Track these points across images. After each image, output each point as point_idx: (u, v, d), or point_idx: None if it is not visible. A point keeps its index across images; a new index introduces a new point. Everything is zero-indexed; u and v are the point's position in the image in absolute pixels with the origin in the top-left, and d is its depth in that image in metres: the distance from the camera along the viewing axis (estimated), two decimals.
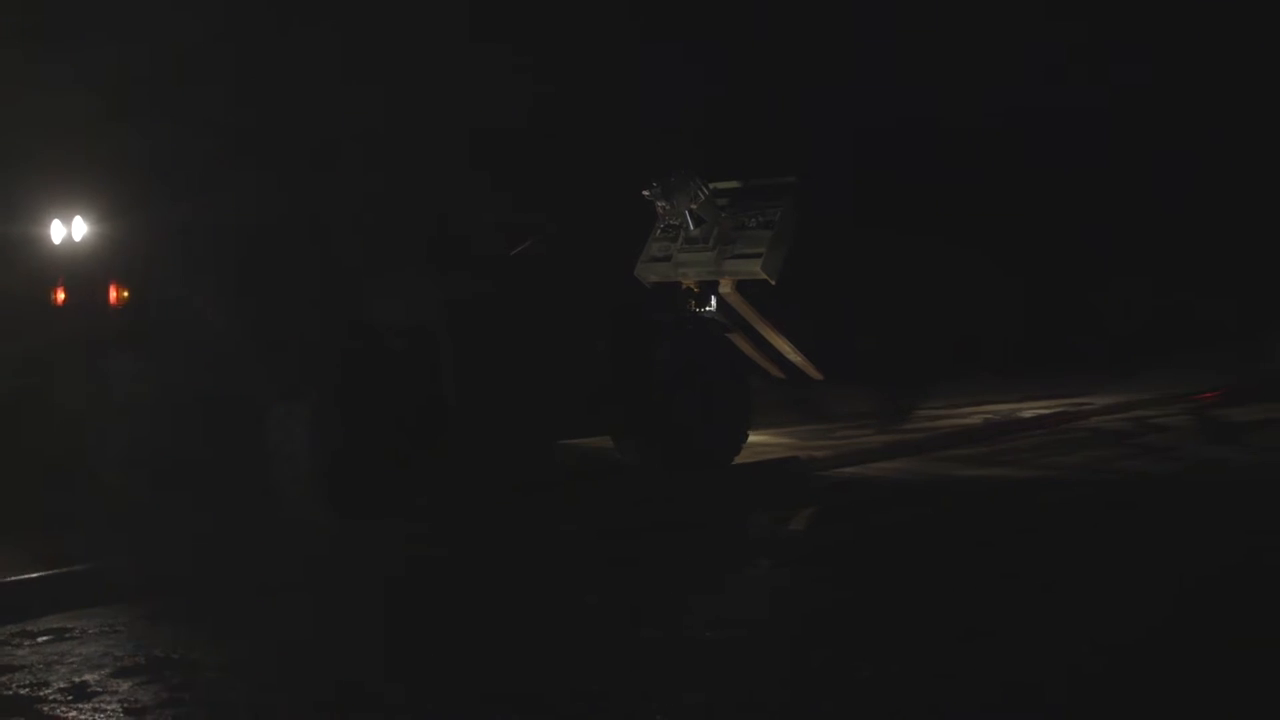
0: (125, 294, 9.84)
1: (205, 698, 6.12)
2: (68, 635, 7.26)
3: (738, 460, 12.40)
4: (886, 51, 20.77)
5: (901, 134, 21.09)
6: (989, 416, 16.23)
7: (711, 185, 15.06)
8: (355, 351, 9.94)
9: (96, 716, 5.86)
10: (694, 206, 14.44)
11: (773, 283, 14.37)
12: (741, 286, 14.79)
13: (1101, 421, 16.83)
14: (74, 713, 5.91)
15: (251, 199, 9.93)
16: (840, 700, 5.96)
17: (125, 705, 6.01)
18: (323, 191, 10.20)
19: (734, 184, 15.21)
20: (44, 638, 7.23)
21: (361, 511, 9.63)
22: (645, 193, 14.56)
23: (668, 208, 14.64)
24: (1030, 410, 16.88)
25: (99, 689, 6.25)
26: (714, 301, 14.00)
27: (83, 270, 10.26)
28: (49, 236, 10.53)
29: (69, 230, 10.45)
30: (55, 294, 10.63)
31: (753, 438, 13.06)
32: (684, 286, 14.61)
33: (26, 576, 8.08)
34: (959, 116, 21.85)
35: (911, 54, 20.94)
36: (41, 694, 6.19)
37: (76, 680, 6.39)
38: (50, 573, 8.15)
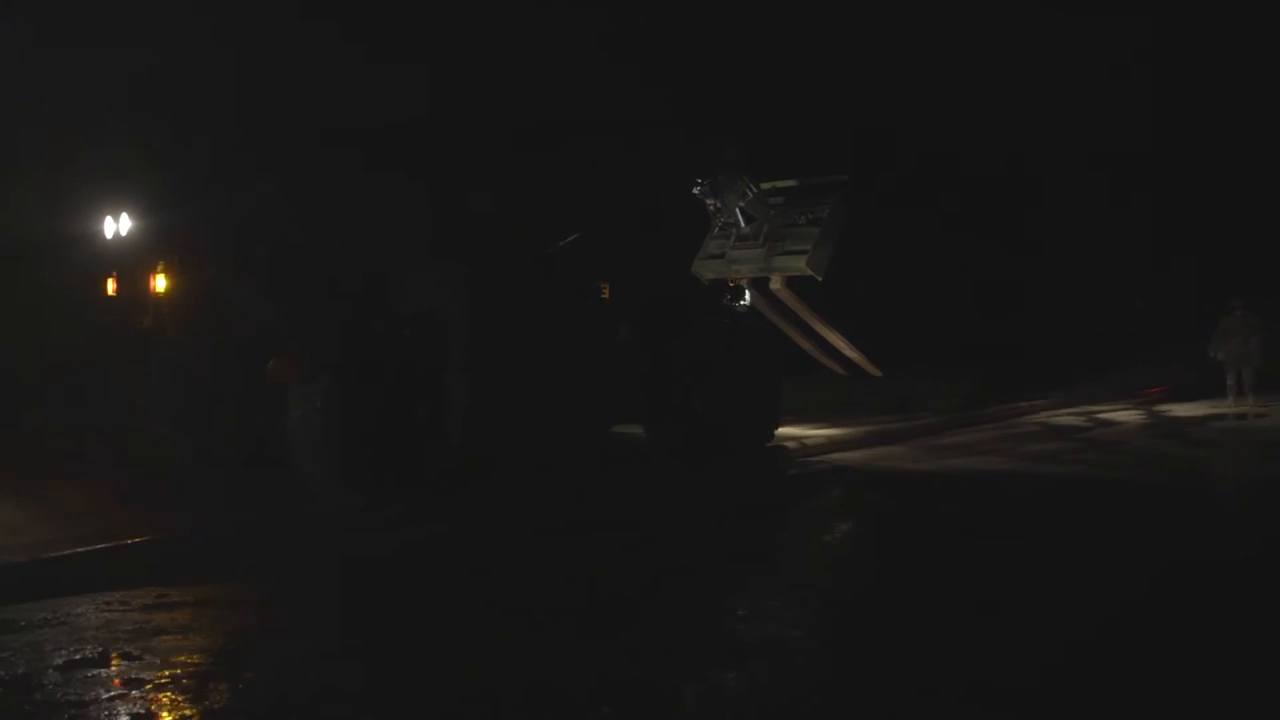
0: (165, 284, 10.43)
1: (148, 695, 5.67)
2: (14, 627, 6.80)
3: None
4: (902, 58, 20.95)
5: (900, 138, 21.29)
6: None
7: (768, 184, 15.07)
8: (371, 339, 9.83)
9: (37, 711, 5.47)
10: (743, 204, 14.43)
11: (819, 279, 14.29)
12: (793, 282, 14.81)
13: (1050, 416, 17.05)
14: (15, 706, 5.52)
15: (281, 194, 10.41)
16: (833, 697, 5.59)
17: (70, 701, 5.60)
18: (351, 185, 10.61)
19: (791, 183, 15.10)
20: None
21: (371, 493, 9.56)
22: (695, 190, 14.62)
23: (718, 205, 14.61)
24: (990, 406, 17.16)
25: (45, 683, 5.83)
26: (748, 296, 14.01)
27: (129, 262, 11.00)
28: (102, 232, 10.78)
29: (118, 226, 11.20)
30: (108, 285, 11.38)
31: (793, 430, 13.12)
32: (731, 283, 14.71)
33: None
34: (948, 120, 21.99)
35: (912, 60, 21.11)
36: None
37: (19, 672, 5.97)
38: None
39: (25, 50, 11.29)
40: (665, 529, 9.74)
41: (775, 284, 14.28)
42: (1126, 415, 16.94)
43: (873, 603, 7.41)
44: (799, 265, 13.85)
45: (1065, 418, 16.75)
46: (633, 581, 7.94)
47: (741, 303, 13.64)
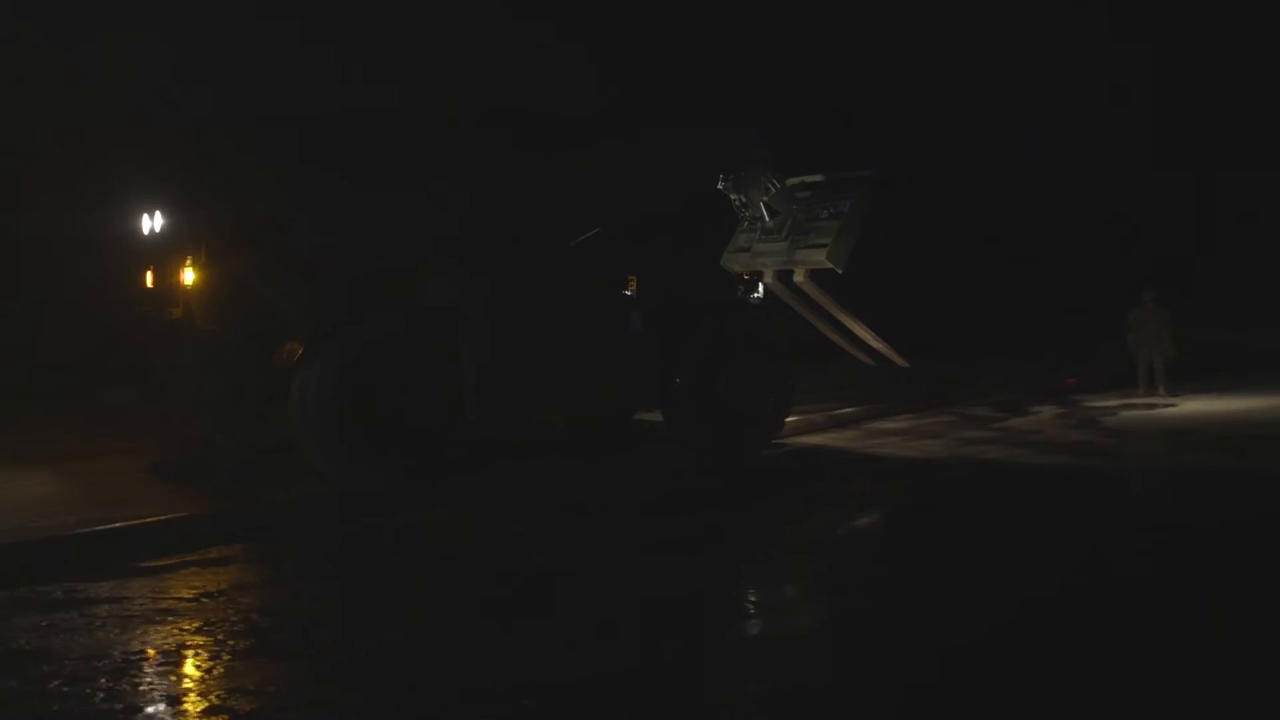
0: (193, 276, 10.95)
1: (61, 689, 5.51)
2: None
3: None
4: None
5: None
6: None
7: (795, 179, 15.07)
8: (378, 325, 9.99)
9: None
10: (766, 199, 14.12)
11: (839, 272, 14.34)
12: (816, 275, 14.93)
13: (968, 408, 17.04)
14: None
15: (299, 189, 10.85)
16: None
17: None
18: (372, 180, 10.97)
19: (817, 178, 15.00)
20: None
21: (370, 475, 9.75)
22: (719, 185, 14.79)
23: (742, 200, 14.62)
24: (912, 394, 17.28)
25: None
26: (762, 288, 14.17)
27: (164, 256, 10.67)
28: (140, 229, 10.94)
29: (153, 222, 11.34)
30: (147, 278, 11.92)
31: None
32: (746, 275, 14.91)
33: None
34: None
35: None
36: None
37: None
38: None
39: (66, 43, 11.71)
40: (644, 511, 9.87)
41: (799, 276, 14.37)
42: (1042, 406, 17.01)
43: (832, 587, 7.36)
44: (819, 258, 13.88)
45: (982, 409, 16.78)
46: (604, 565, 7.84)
47: (755, 295, 13.85)
